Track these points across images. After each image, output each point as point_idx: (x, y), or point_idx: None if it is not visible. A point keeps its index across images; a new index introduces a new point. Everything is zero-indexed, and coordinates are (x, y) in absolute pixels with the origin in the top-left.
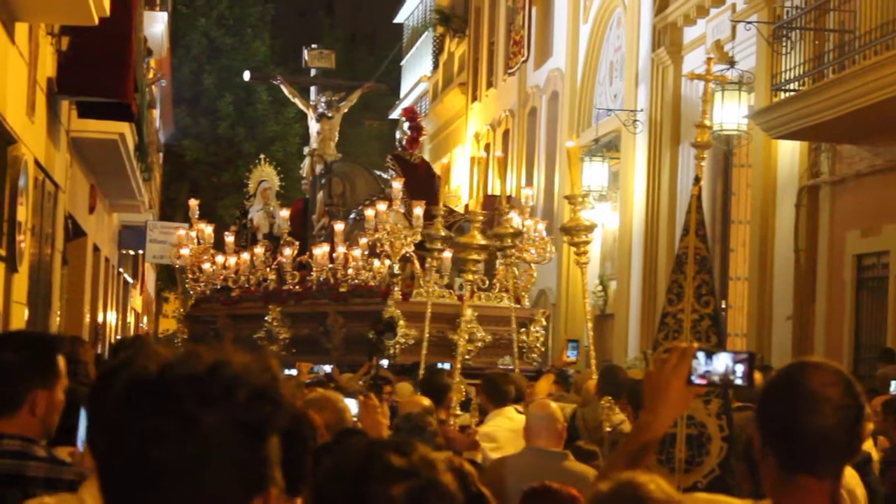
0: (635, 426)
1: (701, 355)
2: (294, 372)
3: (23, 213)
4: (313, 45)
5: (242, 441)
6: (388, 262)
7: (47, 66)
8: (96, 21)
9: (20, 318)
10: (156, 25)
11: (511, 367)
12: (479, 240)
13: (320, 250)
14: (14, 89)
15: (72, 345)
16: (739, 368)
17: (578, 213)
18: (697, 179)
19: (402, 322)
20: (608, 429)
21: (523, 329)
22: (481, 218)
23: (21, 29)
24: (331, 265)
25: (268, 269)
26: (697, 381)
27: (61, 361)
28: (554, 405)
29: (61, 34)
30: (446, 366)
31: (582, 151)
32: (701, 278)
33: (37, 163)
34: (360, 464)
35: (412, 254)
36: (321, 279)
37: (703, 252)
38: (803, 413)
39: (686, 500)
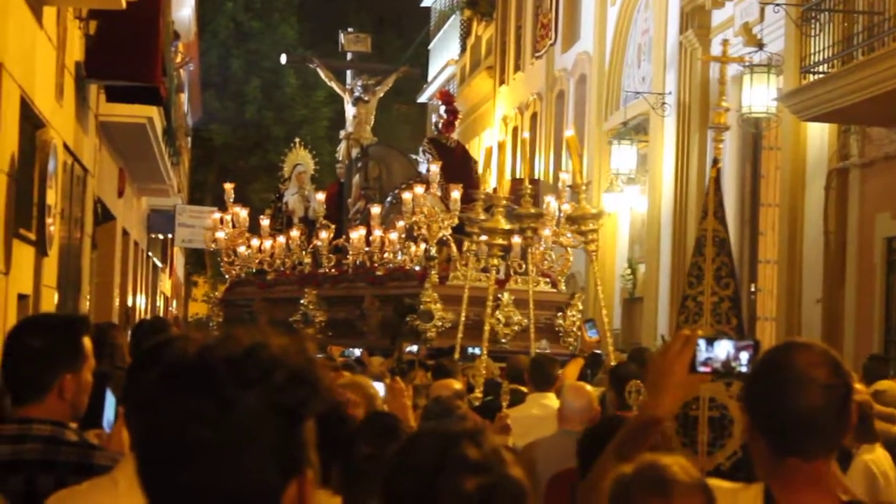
0: (639, 412)
1: (702, 342)
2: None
3: (52, 197)
4: (349, 29)
5: (279, 424)
6: (424, 245)
7: (75, 51)
8: (124, 5)
9: (50, 301)
10: (183, 9)
11: (548, 350)
12: (504, 224)
13: (357, 234)
14: (42, 73)
15: (106, 329)
16: (744, 356)
17: (583, 201)
18: (716, 161)
19: (438, 305)
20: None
21: (560, 313)
22: (505, 202)
23: (49, 13)
24: (367, 248)
25: (303, 253)
26: (701, 368)
27: (87, 342)
28: (589, 388)
29: (89, 18)
30: (476, 350)
31: (610, 135)
32: (720, 260)
33: (66, 147)
34: (433, 455)
35: (449, 237)
36: (357, 262)
37: (722, 234)
38: (790, 394)
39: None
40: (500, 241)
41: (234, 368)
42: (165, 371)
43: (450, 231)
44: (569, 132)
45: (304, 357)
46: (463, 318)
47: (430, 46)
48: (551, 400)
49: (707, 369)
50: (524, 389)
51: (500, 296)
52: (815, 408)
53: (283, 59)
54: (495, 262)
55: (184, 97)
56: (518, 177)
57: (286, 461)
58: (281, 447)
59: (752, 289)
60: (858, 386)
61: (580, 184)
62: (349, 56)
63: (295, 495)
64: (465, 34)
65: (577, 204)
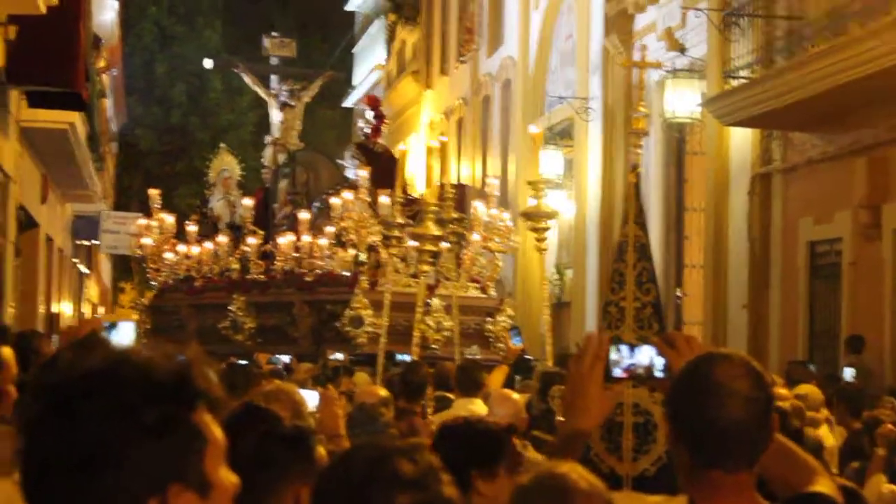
0: (563, 424)
1: (624, 348)
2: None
3: None
4: (273, 34)
5: (133, 438)
6: (353, 250)
7: None
8: (43, 10)
9: None
10: (106, 13)
11: (477, 356)
12: (434, 230)
13: (285, 239)
14: None
15: (30, 337)
16: (659, 361)
17: (541, 198)
18: (635, 167)
19: (368, 311)
20: (560, 418)
21: (489, 318)
22: (434, 208)
23: None
24: (296, 254)
25: (231, 259)
26: (620, 374)
27: (6, 352)
28: (515, 395)
29: (9, 23)
30: (406, 357)
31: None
32: (641, 266)
33: None
34: (366, 469)
35: (378, 243)
36: (286, 268)
37: (643, 239)
38: (711, 407)
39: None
40: (429, 247)
41: (85, 383)
42: (34, 386)
43: (379, 236)
44: (533, 129)
45: (172, 369)
46: (386, 323)
47: (355, 51)
48: (478, 406)
49: (624, 375)
50: (451, 396)
51: (429, 301)
52: (737, 420)
53: (209, 63)
54: (425, 268)
55: (107, 102)
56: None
57: (143, 479)
58: (139, 464)
59: (678, 293)
60: (782, 391)
61: (541, 181)
62: (273, 60)
63: None
64: (390, 38)
65: (536, 202)
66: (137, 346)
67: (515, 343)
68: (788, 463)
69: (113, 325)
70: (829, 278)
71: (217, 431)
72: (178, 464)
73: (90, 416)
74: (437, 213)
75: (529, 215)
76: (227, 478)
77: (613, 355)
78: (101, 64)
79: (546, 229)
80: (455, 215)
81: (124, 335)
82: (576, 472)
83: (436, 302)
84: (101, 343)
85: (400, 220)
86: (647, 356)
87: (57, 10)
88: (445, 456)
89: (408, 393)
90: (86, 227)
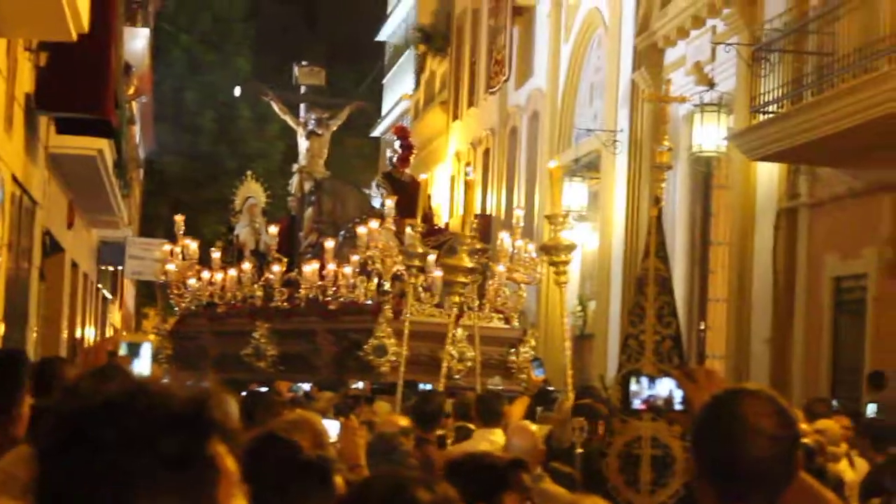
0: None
1: (644, 380)
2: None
3: None
4: (304, 62)
5: (150, 469)
6: (377, 279)
7: (25, 82)
8: (74, 37)
9: None
10: (137, 41)
11: (499, 387)
12: (467, 263)
13: (309, 267)
14: None
15: (54, 363)
16: (679, 394)
17: (559, 232)
18: (657, 200)
19: (392, 340)
20: (580, 450)
21: (513, 349)
22: (469, 241)
23: None
24: (320, 282)
25: (255, 286)
26: (639, 405)
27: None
28: (533, 427)
29: (39, 49)
30: (428, 386)
31: (562, 171)
32: (662, 300)
33: (14, 178)
34: (384, 496)
35: (403, 272)
36: (310, 296)
37: (664, 273)
38: (737, 444)
39: None
40: (462, 278)
41: (104, 414)
42: (56, 416)
43: (404, 266)
44: (552, 163)
45: (190, 399)
46: (405, 352)
47: (385, 81)
48: (498, 436)
49: (643, 407)
50: (472, 426)
51: (453, 331)
52: (762, 458)
53: (237, 91)
54: (457, 299)
55: (136, 129)
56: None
57: None
58: (155, 495)
59: (702, 327)
60: (803, 426)
61: (559, 215)
62: (303, 89)
63: None
64: (420, 69)
65: (554, 235)
66: (155, 374)
67: (537, 374)
68: (809, 499)
69: (133, 346)
70: (853, 314)
71: (230, 463)
72: (193, 495)
73: (107, 446)
74: (471, 245)
75: (548, 249)
76: None
77: (633, 387)
78: (131, 91)
79: (566, 262)
80: (479, 246)
81: (144, 357)
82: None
83: (459, 332)
84: (120, 371)
85: (420, 249)
86: (667, 388)
87: (88, 36)
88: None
89: (422, 422)
90: (111, 252)
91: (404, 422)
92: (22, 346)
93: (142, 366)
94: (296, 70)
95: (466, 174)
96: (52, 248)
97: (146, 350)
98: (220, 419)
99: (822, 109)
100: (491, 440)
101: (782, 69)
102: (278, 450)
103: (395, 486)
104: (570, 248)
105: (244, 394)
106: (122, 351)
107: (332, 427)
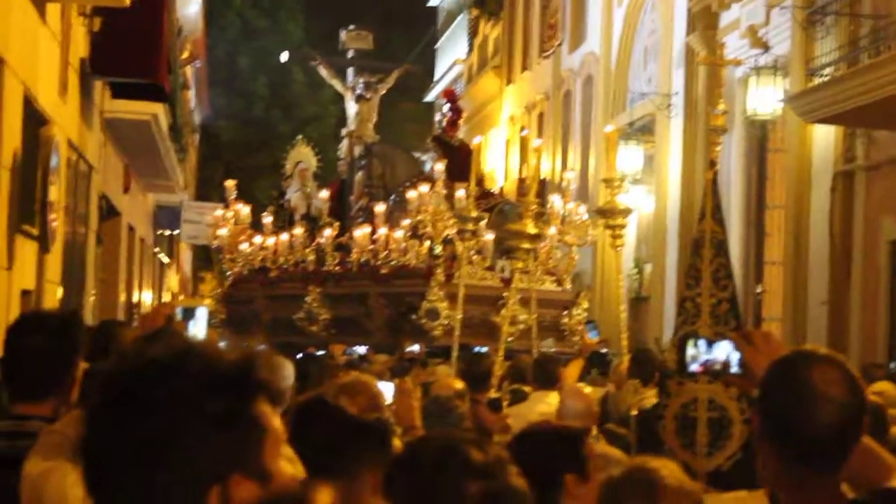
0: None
1: (702, 343)
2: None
3: (55, 193)
4: (350, 27)
5: (196, 428)
6: (428, 243)
7: (80, 47)
8: (128, 2)
9: (53, 297)
10: (191, 6)
11: (552, 349)
12: (531, 229)
13: (360, 231)
14: (46, 70)
15: (111, 326)
16: (736, 357)
17: (615, 196)
18: (713, 163)
19: (444, 303)
20: (634, 412)
21: (565, 312)
22: (534, 207)
23: (53, 10)
24: (371, 246)
25: (306, 251)
26: (696, 368)
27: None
28: (587, 389)
29: (93, 15)
30: (483, 349)
31: (618, 135)
32: (718, 262)
33: (70, 143)
34: (437, 456)
35: (454, 235)
36: (362, 260)
37: (720, 235)
38: (805, 409)
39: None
40: (525, 244)
41: (151, 375)
42: (106, 376)
43: (455, 229)
44: (609, 128)
45: (236, 361)
46: (460, 316)
47: (438, 45)
48: (554, 399)
49: (700, 370)
50: (527, 389)
51: (504, 294)
52: (830, 425)
53: (284, 56)
54: (520, 265)
55: (190, 94)
56: (522, 176)
57: (205, 468)
58: (201, 453)
59: (758, 290)
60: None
61: (615, 179)
62: (350, 53)
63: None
64: (473, 33)
65: (611, 198)
66: (206, 337)
67: (591, 337)
68: (868, 459)
69: (189, 311)
70: None
71: (276, 422)
72: (239, 454)
73: (154, 406)
74: (537, 210)
75: (604, 212)
76: (286, 467)
77: (690, 350)
78: (185, 56)
79: (622, 226)
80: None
81: (199, 321)
82: (668, 468)
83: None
84: (171, 334)
85: (474, 213)
86: (724, 352)
87: (141, 1)
88: (530, 460)
89: (472, 384)
90: (167, 216)
91: (459, 384)
92: (80, 310)
93: (197, 330)
94: (343, 35)
95: (529, 140)
96: (109, 212)
97: (202, 314)
98: (266, 380)
99: (878, 72)
100: (547, 402)
101: (838, 32)
102: (325, 413)
103: (447, 447)
104: (626, 212)
105: (299, 357)
106: (178, 316)
107: (387, 389)
